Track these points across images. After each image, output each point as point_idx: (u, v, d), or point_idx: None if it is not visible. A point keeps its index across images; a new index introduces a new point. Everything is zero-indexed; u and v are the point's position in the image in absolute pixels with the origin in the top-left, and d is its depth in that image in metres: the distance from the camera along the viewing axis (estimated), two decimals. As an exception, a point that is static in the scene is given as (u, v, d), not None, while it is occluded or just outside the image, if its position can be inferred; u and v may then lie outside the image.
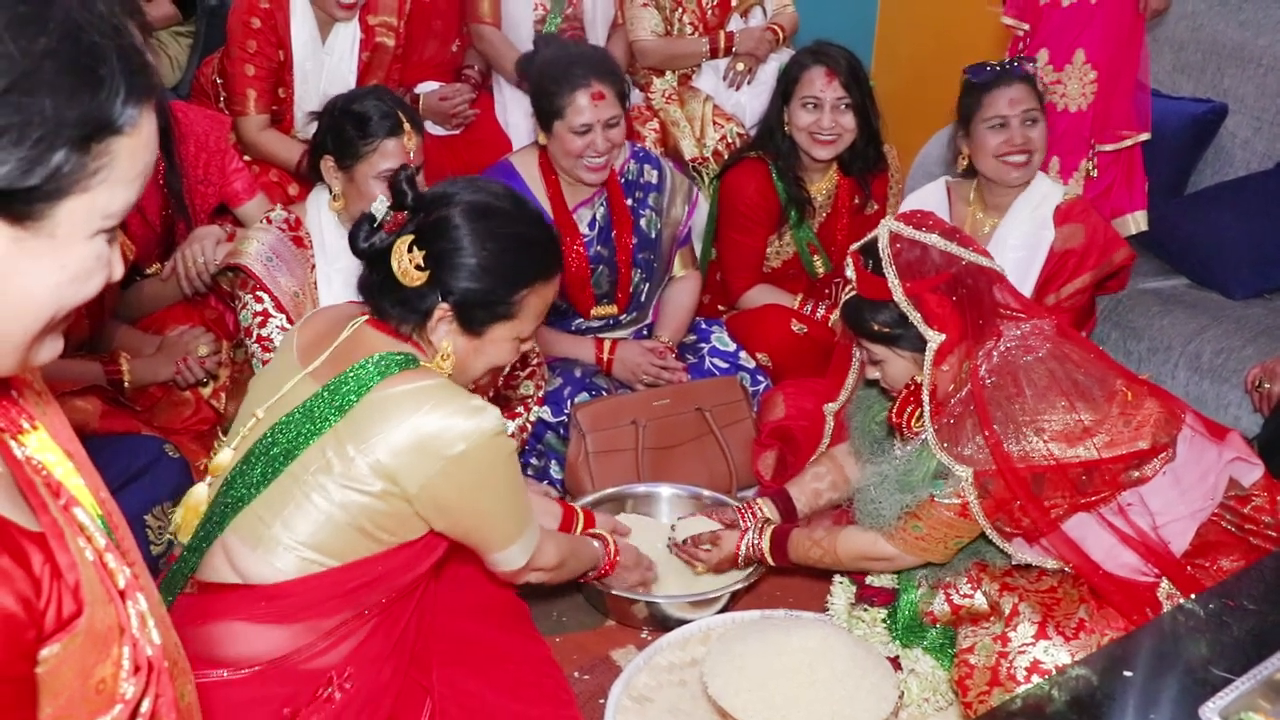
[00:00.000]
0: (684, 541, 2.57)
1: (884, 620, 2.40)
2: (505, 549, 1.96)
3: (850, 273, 2.26)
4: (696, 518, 2.64)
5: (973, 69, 3.11)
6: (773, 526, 2.49)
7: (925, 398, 2.19)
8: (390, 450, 1.75)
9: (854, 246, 2.30)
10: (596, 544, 2.39)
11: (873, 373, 2.33)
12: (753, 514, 2.57)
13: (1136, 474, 2.17)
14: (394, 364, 1.80)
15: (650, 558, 2.55)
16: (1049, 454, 2.11)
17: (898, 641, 2.36)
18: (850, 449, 2.59)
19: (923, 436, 2.24)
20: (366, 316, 1.91)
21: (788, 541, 2.44)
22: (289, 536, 1.78)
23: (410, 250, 1.83)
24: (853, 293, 2.27)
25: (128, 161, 0.94)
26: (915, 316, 2.14)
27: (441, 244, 1.84)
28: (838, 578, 2.50)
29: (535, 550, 2.01)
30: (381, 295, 1.89)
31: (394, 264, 1.84)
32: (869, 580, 2.46)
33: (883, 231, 2.21)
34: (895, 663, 2.32)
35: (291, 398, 1.84)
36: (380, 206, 1.89)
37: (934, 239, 2.19)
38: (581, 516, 2.52)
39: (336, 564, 1.80)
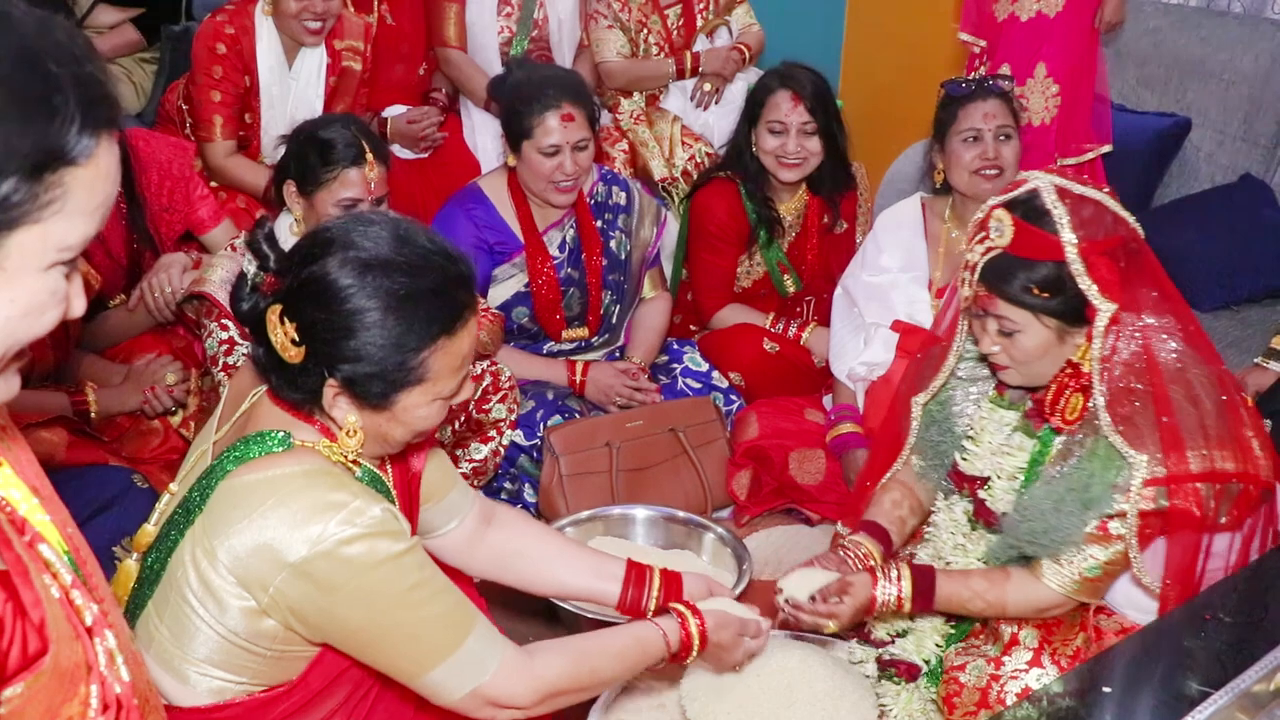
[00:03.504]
0: (808, 600, 2.10)
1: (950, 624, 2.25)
2: (420, 678, 1.56)
3: (1003, 225, 1.97)
4: (799, 570, 2.17)
5: (950, 83, 3.10)
6: (909, 570, 2.11)
7: (1096, 379, 1.94)
8: (232, 555, 1.48)
9: (996, 199, 2.03)
10: (662, 627, 1.83)
11: (993, 345, 2.05)
12: (861, 557, 2.22)
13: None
14: (260, 445, 1.54)
15: (753, 617, 2.00)
16: (1221, 465, 1.90)
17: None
18: (910, 456, 2.33)
19: (1085, 435, 1.99)
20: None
21: (934, 588, 2.10)
22: (179, 650, 1.54)
23: (283, 321, 1.52)
24: (994, 251, 1.98)
25: (84, 193, 0.92)
26: (1085, 281, 1.92)
27: (314, 313, 1.52)
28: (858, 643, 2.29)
29: (485, 684, 1.58)
30: (269, 371, 1.59)
31: (270, 337, 1.53)
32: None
33: (1045, 184, 1.97)
34: (914, 670, 2.25)
35: (195, 472, 1.60)
36: (250, 264, 1.57)
37: (1104, 197, 1.98)
38: (658, 582, 2.01)
39: (248, 682, 1.57)
